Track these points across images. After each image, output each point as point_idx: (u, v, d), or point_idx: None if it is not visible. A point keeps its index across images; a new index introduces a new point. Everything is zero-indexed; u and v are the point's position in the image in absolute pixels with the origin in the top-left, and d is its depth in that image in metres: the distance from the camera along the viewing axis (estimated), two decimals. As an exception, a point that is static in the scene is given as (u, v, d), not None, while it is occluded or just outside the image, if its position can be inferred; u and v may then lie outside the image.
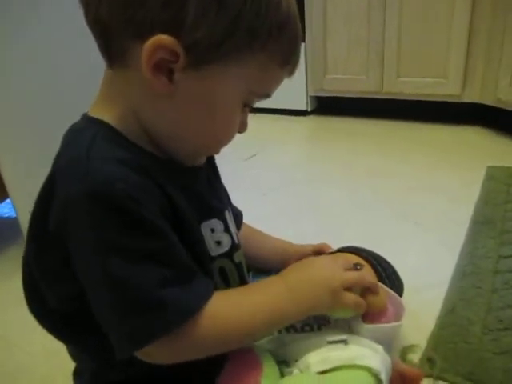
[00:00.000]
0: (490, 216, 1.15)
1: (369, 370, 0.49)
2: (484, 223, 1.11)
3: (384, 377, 0.49)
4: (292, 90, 2.27)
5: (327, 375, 0.49)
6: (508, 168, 1.45)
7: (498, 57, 1.71)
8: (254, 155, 1.84)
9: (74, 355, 0.53)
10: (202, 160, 0.53)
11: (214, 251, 0.50)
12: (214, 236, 0.50)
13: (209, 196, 0.52)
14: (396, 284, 0.68)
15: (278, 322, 0.49)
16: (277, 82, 0.48)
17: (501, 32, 1.68)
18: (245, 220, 0.75)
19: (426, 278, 0.92)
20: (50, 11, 0.97)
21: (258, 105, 0.50)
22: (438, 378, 0.66)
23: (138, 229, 0.39)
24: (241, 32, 0.40)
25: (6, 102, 0.91)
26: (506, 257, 0.96)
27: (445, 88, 1.90)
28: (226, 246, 0.51)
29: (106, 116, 0.44)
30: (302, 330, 0.56)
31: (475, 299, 0.82)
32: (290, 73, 0.48)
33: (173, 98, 0.42)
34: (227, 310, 0.45)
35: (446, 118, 2.04)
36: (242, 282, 0.55)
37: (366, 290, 0.53)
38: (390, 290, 0.57)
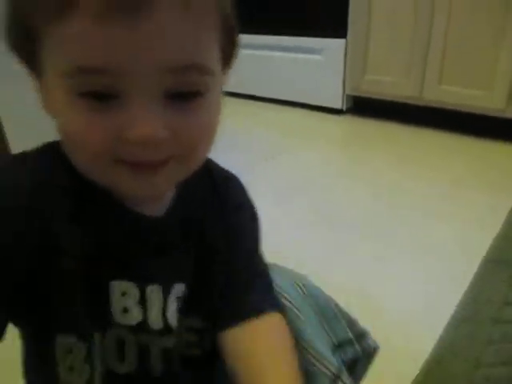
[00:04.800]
0: (506, 254, 1.08)
1: None
2: (498, 262, 1.05)
3: None
4: (328, 88, 2.21)
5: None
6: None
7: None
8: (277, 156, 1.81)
9: None
10: (155, 208, 0.41)
11: (119, 318, 0.40)
12: (122, 300, 0.40)
13: (139, 255, 0.41)
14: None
15: None
16: (109, 41, 0.29)
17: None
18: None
19: (419, 323, 0.90)
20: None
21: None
22: None
23: None
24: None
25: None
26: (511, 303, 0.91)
27: (489, 101, 1.78)
28: (133, 320, 0.40)
29: None
30: None
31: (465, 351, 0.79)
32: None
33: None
34: None
35: (487, 132, 1.91)
36: (141, 363, 0.41)
37: None
38: None
